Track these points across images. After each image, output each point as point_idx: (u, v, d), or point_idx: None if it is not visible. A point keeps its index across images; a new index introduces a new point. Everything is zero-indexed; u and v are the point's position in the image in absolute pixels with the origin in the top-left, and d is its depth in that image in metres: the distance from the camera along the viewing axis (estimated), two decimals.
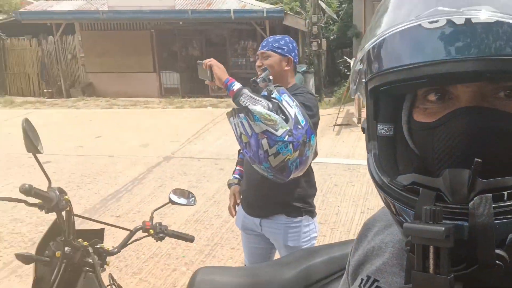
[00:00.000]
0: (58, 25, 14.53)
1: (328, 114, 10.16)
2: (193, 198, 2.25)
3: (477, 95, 0.54)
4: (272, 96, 1.95)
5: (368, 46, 0.58)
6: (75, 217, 1.83)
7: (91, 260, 1.80)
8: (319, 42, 12.68)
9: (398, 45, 0.55)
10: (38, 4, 15.63)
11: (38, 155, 1.68)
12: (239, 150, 2.55)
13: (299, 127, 1.93)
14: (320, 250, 2.01)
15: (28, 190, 1.55)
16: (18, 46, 15.71)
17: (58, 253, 1.73)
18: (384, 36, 0.55)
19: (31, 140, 1.65)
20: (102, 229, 2.00)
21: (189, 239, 2.10)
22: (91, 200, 5.33)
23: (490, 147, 0.52)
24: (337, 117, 9.27)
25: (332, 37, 16.69)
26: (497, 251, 0.49)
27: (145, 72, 14.85)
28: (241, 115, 1.90)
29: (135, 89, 14.53)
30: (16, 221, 4.70)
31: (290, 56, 2.27)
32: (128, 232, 2.03)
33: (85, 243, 1.80)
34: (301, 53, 14.42)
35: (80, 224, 4.49)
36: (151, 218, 2.08)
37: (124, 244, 1.97)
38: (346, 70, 16.09)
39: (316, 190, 2.44)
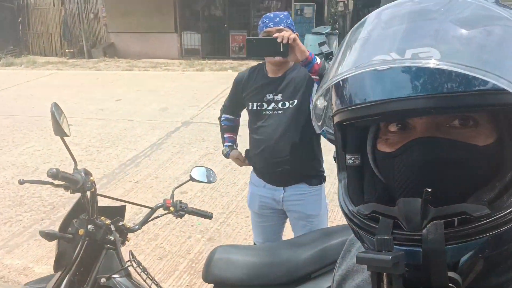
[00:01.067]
0: None
1: None
2: (213, 176, 2.29)
3: (432, 125, 0.58)
4: None
5: (326, 86, 0.62)
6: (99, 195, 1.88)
7: (112, 238, 1.86)
8: (345, 2, 12.30)
9: (354, 85, 0.60)
10: None
11: (65, 138, 1.74)
12: (220, 118, 2.66)
13: None
14: (336, 231, 2.03)
15: (55, 174, 1.60)
16: (41, 5, 15.74)
17: (81, 231, 1.80)
18: (338, 80, 0.60)
19: (59, 123, 1.69)
20: (124, 206, 2.05)
21: (208, 216, 2.14)
22: (110, 165, 5.45)
23: (441, 176, 0.56)
24: None
25: None
26: (450, 274, 0.53)
27: (166, 32, 14.74)
28: None
29: (156, 50, 14.49)
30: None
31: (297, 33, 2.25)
32: (149, 209, 2.07)
33: (107, 222, 1.86)
34: (326, 14, 14.04)
35: (102, 192, 4.64)
36: (172, 195, 2.11)
37: (145, 221, 2.03)
38: None
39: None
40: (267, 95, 2.33)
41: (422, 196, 0.54)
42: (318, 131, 0.77)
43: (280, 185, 2.40)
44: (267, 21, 2.23)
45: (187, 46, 15.07)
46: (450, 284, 0.52)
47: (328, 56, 2.14)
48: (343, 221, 4.09)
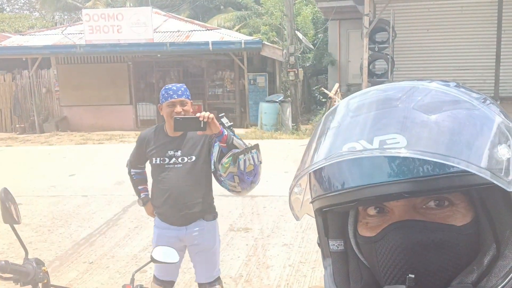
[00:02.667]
0: (34, 59, 14.38)
1: (305, 145, 10.18)
2: (175, 255, 2.23)
3: (408, 208, 0.59)
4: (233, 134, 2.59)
5: (303, 174, 0.63)
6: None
7: None
8: (296, 72, 12.84)
9: (328, 173, 0.62)
10: (14, 40, 15.44)
11: (16, 225, 1.69)
12: (130, 172, 3.05)
13: None
14: None
15: (4, 267, 1.53)
16: None
17: None
18: (314, 169, 0.61)
19: (9, 211, 1.66)
20: None
21: None
22: (63, 245, 5.12)
23: (423, 260, 0.57)
24: None
25: (307, 65, 16.99)
26: None
27: (121, 104, 14.75)
28: (253, 150, 2.60)
29: (111, 122, 14.39)
30: None
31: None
32: None
33: None
34: (278, 82, 14.58)
35: (52, 273, 4.32)
36: (132, 280, 2.01)
37: None
38: (321, 97, 16.31)
39: None
40: (169, 151, 2.76)
41: (405, 283, 0.55)
42: (297, 219, 0.76)
43: (183, 225, 2.80)
44: (171, 93, 2.69)
45: (142, 117, 15.09)
46: None
47: (229, 127, 2.58)
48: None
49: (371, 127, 0.58)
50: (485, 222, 0.58)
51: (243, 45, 13.31)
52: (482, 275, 0.56)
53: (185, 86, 2.78)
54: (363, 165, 0.58)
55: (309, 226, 5.46)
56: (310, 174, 0.66)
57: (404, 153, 0.52)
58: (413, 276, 0.54)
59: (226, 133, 2.54)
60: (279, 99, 13.08)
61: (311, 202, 0.67)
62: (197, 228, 2.82)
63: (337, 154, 0.56)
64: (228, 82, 15.15)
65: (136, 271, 2.08)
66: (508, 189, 0.52)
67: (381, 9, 11.29)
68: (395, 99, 0.60)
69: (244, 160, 2.55)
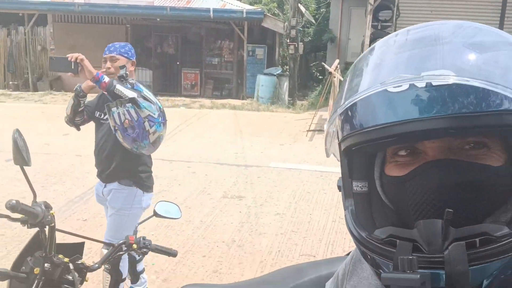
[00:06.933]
0: (31, 15, 14.05)
1: (301, 119, 10.23)
2: (178, 211, 2.23)
3: (443, 149, 0.58)
4: (134, 88, 2.46)
5: (340, 110, 0.62)
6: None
7: (70, 277, 1.72)
8: (296, 45, 12.71)
9: (367, 108, 0.59)
10: None
11: (26, 168, 1.67)
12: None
13: (161, 110, 2.58)
14: (307, 268, 1.99)
15: (15, 207, 1.51)
16: None
17: (36, 270, 1.65)
18: (355, 101, 0.60)
19: (21, 152, 1.62)
20: (83, 243, 1.91)
21: (172, 253, 2.06)
22: (57, 202, 5.14)
23: (459, 198, 0.56)
24: (311, 123, 9.31)
25: (307, 40, 16.83)
26: None
27: None
28: (128, 104, 2.41)
29: None
30: None
31: (134, 60, 2.84)
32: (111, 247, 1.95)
33: (66, 260, 1.72)
34: (276, 55, 14.46)
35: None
36: (135, 232, 2.02)
37: (106, 259, 1.91)
38: (318, 74, 16.24)
39: (151, 172, 2.99)
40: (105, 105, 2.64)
41: (442, 218, 0.54)
42: (327, 156, 0.77)
43: (104, 182, 2.91)
44: (106, 50, 2.75)
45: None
46: None
47: (122, 77, 2.48)
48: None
49: (417, 63, 0.56)
50: None
51: (244, 15, 13.12)
52: None
53: (124, 44, 2.82)
54: (402, 101, 0.55)
55: (302, 197, 5.54)
56: (342, 113, 0.64)
57: (452, 80, 0.52)
58: (451, 210, 0.53)
59: (105, 80, 2.38)
60: (277, 72, 13.00)
61: (341, 141, 0.65)
62: (110, 188, 2.87)
63: (392, 80, 0.55)
64: (226, 52, 14.98)
65: (138, 224, 2.11)
66: None
67: None
68: (442, 37, 0.59)
69: (119, 113, 2.43)
